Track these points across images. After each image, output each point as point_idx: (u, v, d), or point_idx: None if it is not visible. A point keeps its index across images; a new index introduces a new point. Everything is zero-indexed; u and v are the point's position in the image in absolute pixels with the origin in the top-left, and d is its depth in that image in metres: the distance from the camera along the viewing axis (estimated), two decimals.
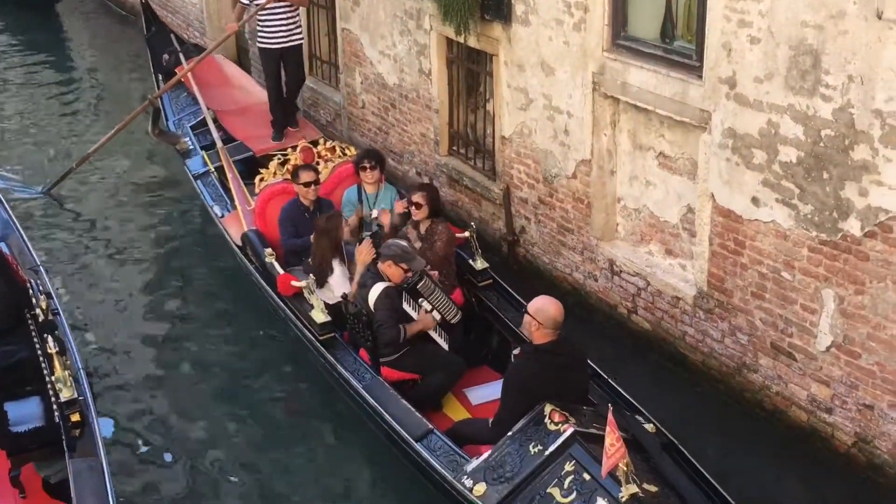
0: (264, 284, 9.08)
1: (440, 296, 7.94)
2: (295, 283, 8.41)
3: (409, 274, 7.75)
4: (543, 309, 6.69)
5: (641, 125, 8.51)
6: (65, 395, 6.64)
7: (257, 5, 11.19)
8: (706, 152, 7.75)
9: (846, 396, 7.20)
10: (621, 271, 8.93)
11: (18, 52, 18.33)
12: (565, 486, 6.08)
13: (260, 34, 11.43)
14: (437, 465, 6.77)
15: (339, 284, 8.47)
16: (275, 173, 10.11)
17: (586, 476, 6.04)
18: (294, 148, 10.42)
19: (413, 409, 7.30)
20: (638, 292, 8.81)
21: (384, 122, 12.12)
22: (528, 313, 6.71)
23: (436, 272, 8.29)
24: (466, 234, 8.85)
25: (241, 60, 14.99)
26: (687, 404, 8.11)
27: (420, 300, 7.85)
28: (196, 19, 16.75)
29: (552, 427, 6.35)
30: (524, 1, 9.19)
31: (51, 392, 6.74)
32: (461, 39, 9.99)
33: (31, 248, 8.94)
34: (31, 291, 7.70)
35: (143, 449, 8.11)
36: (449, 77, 10.77)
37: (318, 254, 8.60)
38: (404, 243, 8.00)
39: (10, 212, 9.51)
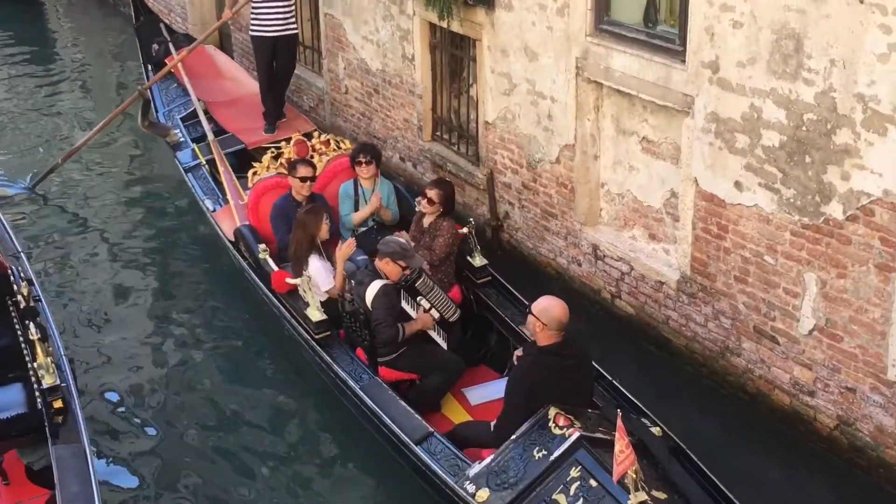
0: (257, 281, 8.91)
1: (438, 293, 7.75)
2: (290, 281, 8.24)
3: (408, 272, 7.58)
4: (548, 309, 6.52)
5: (625, 110, 8.51)
6: (47, 381, 6.60)
7: None
8: (689, 137, 7.76)
9: (828, 379, 7.23)
10: (605, 256, 8.94)
11: (1, 43, 18.13)
12: (571, 492, 5.90)
13: (254, 21, 11.27)
14: (437, 470, 6.58)
15: (319, 279, 8.23)
16: (268, 167, 9.89)
17: (593, 482, 5.86)
18: (287, 141, 10.21)
19: (412, 412, 7.12)
20: (621, 277, 8.83)
21: (367, 107, 12.09)
22: (532, 314, 6.55)
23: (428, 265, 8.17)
24: (465, 230, 8.61)
25: (224, 46, 14.91)
26: (670, 388, 8.12)
27: (418, 298, 7.66)
28: (178, 5, 16.66)
29: (557, 431, 6.19)
30: None
31: (33, 379, 6.70)
32: (444, 24, 9.97)
33: (12, 235, 8.89)
34: (12, 278, 7.66)
35: (127, 435, 8.09)
36: (432, 62, 10.75)
37: (293, 245, 8.41)
38: (402, 240, 7.84)
39: None
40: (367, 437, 7.60)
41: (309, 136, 10.42)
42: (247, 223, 9.35)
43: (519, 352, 7.05)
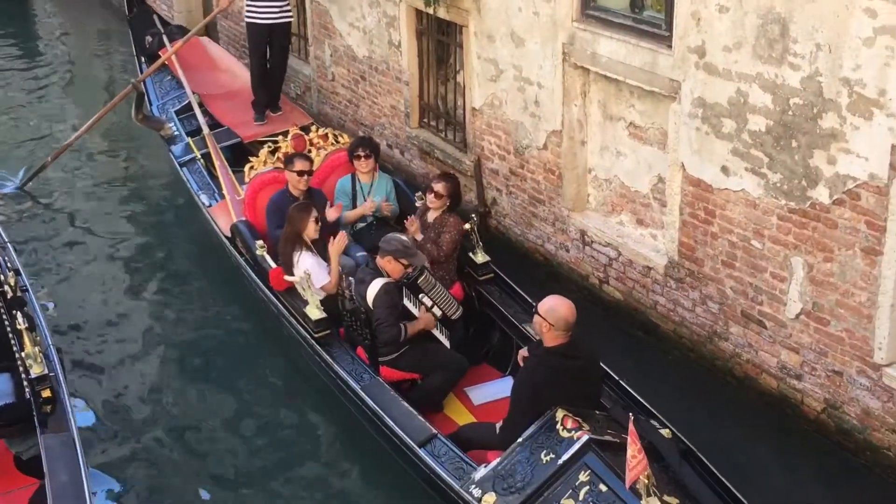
0: (255, 278, 8.75)
1: (441, 291, 7.59)
2: (288, 278, 8.09)
3: (410, 269, 7.43)
4: (555, 309, 6.36)
5: (612, 95, 8.52)
6: (35, 371, 6.60)
7: None
8: (676, 122, 7.76)
9: (815, 363, 7.26)
10: (592, 242, 8.95)
11: None
12: (580, 497, 5.76)
13: (249, 8, 11.13)
14: (442, 473, 6.43)
15: (312, 275, 7.96)
16: (265, 161, 9.70)
17: (602, 487, 5.73)
18: (285, 135, 10.05)
19: (415, 413, 6.96)
20: (609, 262, 8.84)
21: (354, 94, 12.07)
22: (539, 314, 6.39)
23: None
24: (467, 225, 8.40)
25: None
26: (658, 373, 8.15)
27: (420, 295, 7.49)
28: None
29: (565, 434, 6.03)
30: None
31: (21, 368, 6.69)
32: (430, 11, 9.95)
33: None
34: None
35: (117, 424, 8.07)
36: (419, 49, 10.73)
37: (281, 241, 8.28)
38: (405, 237, 7.69)
39: None
40: (367, 438, 7.46)
41: (307, 129, 10.23)
42: (243, 219, 9.20)
43: (524, 351, 6.92)
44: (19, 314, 6.75)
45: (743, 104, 7.19)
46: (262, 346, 9.00)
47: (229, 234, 9.26)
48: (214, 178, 10.13)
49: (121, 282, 10.20)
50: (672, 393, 7.82)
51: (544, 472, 5.94)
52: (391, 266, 7.41)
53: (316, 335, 7.75)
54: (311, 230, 8.19)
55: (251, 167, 9.67)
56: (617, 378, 7.00)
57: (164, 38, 11.92)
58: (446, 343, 7.64)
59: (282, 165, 9.37)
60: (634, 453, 5.32)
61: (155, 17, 12.58)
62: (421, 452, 6.63)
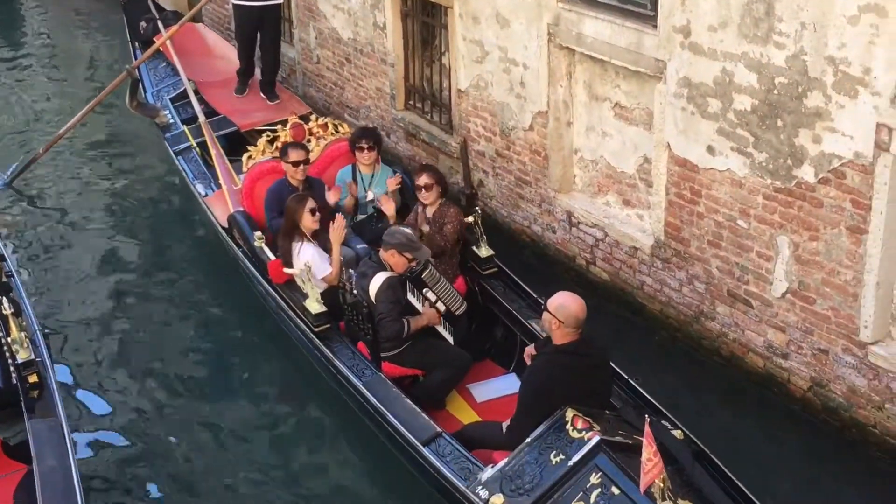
0: (252, 270, 8.56)
1: (445, 285, 7.42)
2: (287, 270, 7.91)
3: (414, 263, 7.25)
4: (564, 306, 6.20)
5: (597, 76, 8.51)
6: (21, 356, 6.59)
7: None
8: (662, 102, 7.76)
9: (801, 342, 7.29)
10: (579, 223, 8.96)
11: None
12: (591, 499, 5.59)
13: None
14: (447, 473, 6.25)
15: (313, 266, 7.81)
16: (263, 151, 9.47)
17: (615, 490, 5.56)
18: (283, 124, 9.81)
19: (419, 410, 6.79)
20: (596, 243, 8.85)
21: (339, 77, 12.04)
22: (548, 311, 6.22)
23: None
24: (470, 218, 8.20)
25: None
26: (646, 353, 8.17)
27: (424, 290, 7.30)
28: None
29: (575, 434, 5.86)
30: None
31: (7, 354, 6.68)
32: None
33: None
34: None
35: (104, 408, 8.07)
36: (404, 30, 10.70)
37: (280, 233, 8.12)
38: (409, 230, 7.49)
39: None
40: (369, 435, 7.32)
41: (306, 119, 9.99)
42: (241, 209, 9.01)
43: (531, 349, 6.77)
44: (5, 300, 6.72)
45: (728, 83, 7.19)
46: (260, 340, 8.85)
47: (226, 225, 9.08)
48: (210, 167, 9.94)
49: (111, 270, 10.12)
50: (659, 373, 7.85)
51: (554, 473, 5.79)
52: (395, 260, 7.24)
53: (316, 329, 7.58)
54: (307, 221, 7.98)
55: (249, 156, 9.47)
56: (626, 377, 6.83)
57: (159, 24, 11.66)
58: (450, 339, 7.47)
59: (278, 154, 9.11)
60: (650, 456, 5.20)
61: (150, 2, 12.27)
62: (425, 451, 6.46)
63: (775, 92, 6.89)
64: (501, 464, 6.05)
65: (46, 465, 6.02)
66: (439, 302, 7.37)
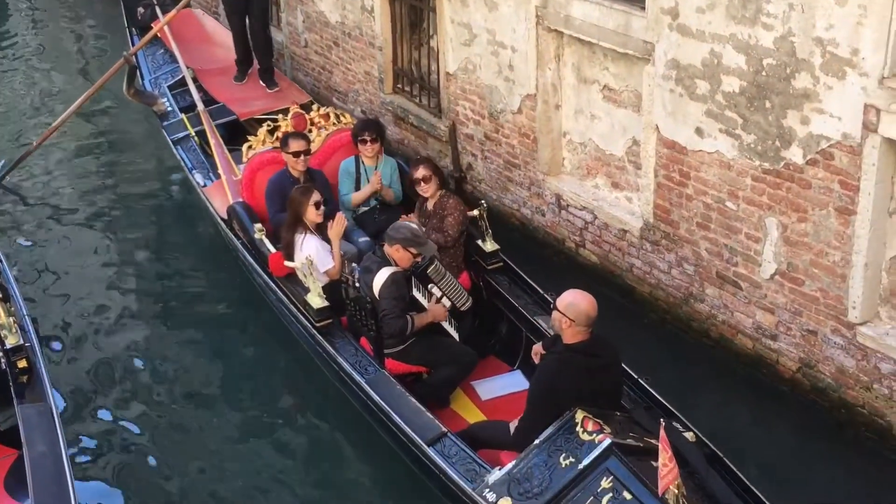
0: (252, 262, 8.40)
1: (451, 281, 7.32)
2: (288, 264, 7.76)
3: (419, 259, 7.12)
4: (575, 304, 6.03)
5: (585, 58, 8.50)
6: (10, 341, 6.59)
7: None
8: (650, 84, 7.76)
9: (790, 323, 7.31)
10: (568, 205, 8.96)
11: None
12: None
13: None
14: (453, 475, 6.11)
15: (317, 260, 7.69)
16: (264, 141, 9.32)
17: (627, 495, 5.39)
18: (284, 113, 9.69)
19: (424, 409, 6.65)
20: (585, 226, 8.86)
21: (327, 60, 12.00)
22: (558, 309, 6.06)
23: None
24: (475, 212, 8.05)
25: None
26: (635, 335, 8.16)
27: (429, 286, 7.20)
28: None
29: (585, 437, 5.69)
30: None
31: None
32: None
33: None
34: None
35: (95, 394, 8.07)
36: (392, 13, 10.66)
37: (284, 225, 7.98)
38: (414, 225, 7.33)
39: None
40: (372, 433, 7.20)
41: (307, 108, 9.86)
42: (240, 200, 8.85)
43: (539, 347, 6.70)
44: None
45: (716, 65, 7.19)
46: (259, 332, 8.71)
47: (225, 216, 8.92)
48: (209, 156, 9.77)
49: (104, 258, 10.05)
50: (648, 355, 7.86)
51: (563, 477, 5.63)
52: (399, 255, 7.08)
53: (318, 324, 7.44)
54: (311, 214, 7.85)
55: (249, 147, 9.34)
56: (636, 377, 6.70)
57: (157, 10, 11.37)
58: (455, 335, 7.36)
59: (279, 145, 8.98)
60: (666, 461, 5.06)
61: None
62: (430, 452, 6.33)
63: (763, 73, 6.89)
64: (509, 466, 5.92)
65: (36, 450, 6.02)
66: (444, 298, 7.27)
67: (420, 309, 7.16)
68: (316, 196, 7.89)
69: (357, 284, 7.29)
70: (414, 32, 10.59)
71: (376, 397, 6.83)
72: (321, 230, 7.92)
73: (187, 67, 10.82)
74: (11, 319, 6.68)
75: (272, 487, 7.12)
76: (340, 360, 7.20)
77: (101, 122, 12.94)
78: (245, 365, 8.40)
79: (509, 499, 5.74)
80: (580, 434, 5.74)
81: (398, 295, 6.99)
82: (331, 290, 7.62)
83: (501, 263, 8.08)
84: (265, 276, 8.15)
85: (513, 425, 6.33)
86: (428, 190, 8.13)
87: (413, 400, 6.75)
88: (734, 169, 7.32)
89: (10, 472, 6.32)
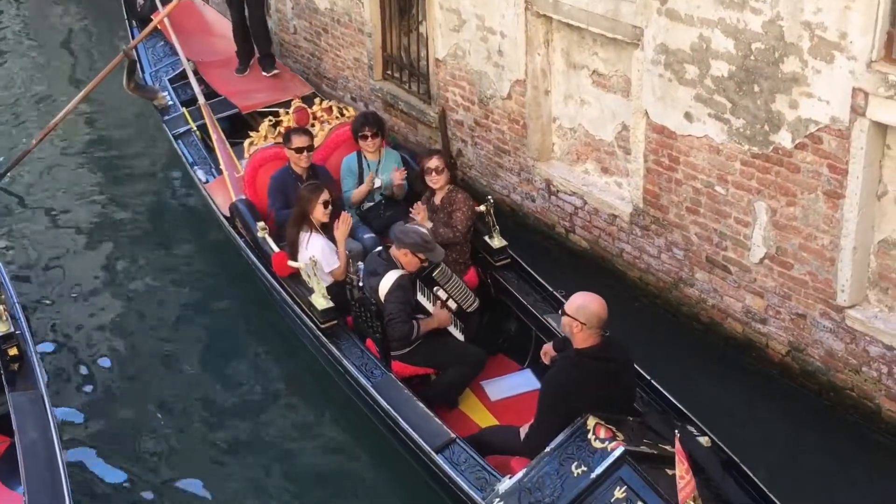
0: (255, 261, 8.24)
1: (457, 283, 7.21)
2: (292, 264, 7.58)
3: (426, 264, 7.01)
4: (585, 307, 5.85)
5: (575, 44, 8.50)
6: (1, 329, 6.60)
7: None
8: (639, 69, 7.76)
9: (779, 307, 7.34)
10: (558, 191, 8.97)
11: None
12: None
13: None
14: (462, 483, 5.99)
15: (322, 260, 7.53)
16: (266, 136, 9.15)
17: None
18: (286, 105, 9.56)
19: (432, 414, 6.49)
20: (575, 211, 8.87)
21: (317, 47, 11.98)
22: (568, 314, 5.88)
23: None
24: (482, 208, 7.91)
25: None
26: (625, 320, 8.11)
27: (435, 288, 7.09)
28: None
29: (598, 445, 5.53)
30: None
31: None
32: None
33: None
34: None
35: (85, 381, 8.08)
36: (381, 0, 10.64)
37: (289, 223, 7.82)
38: (424, 230, 7.14)
39: None
40: (379, 436, 7.07)
41: (309, 102, 9.70)
42: (243, 197, 8.68)
43: (549, 348, 6.58)
44: None
45: (705, 50, 7.20)
46: (262, 330, 8.58)
47: (228, 214, 8.76)
48: (211, 150, 9.57)
49: (101, 248, 9.94)
50: (639, 340, 7.86)
51: (576, 486, 5.46)
52: (407, 259, 6.96)
53: (322, 326, 7.30)
54: (319, 213, 7.69)
55: (251, 142, 9.17)
56: (649, 378, 6.58)
57: (157, 1, 11.09)
58: (460, 337, 7.22)
59: (282, 141, 8.83)
60: (682, 473, 4.98)
61: None
62: (438, 459, 6.19)
63: (752, 58, 6.90)
64: (520, 474, 5.78)
65: (28, 437, 6.04)
66: (450, 300, 7.16)
67: (424, 312, 7.04)
68: (325, 195, 7.73)
69: (361, 284, 7.18)
70: (403, 18, 10.57)
71: (383, 402, 6.69)
72: (327, 229, 7.76)
73: (188, 60, 10.57)
74: (2, 307, 6.69)
75: (268, 484, 7.06)
76: (346, 363, 7.06)
77: (100, 116, 12.71)
78: (246, 359, 8.30)
79: None
80: (592, 441, 5.59)
81: (404, 299, 6.87)
82: (336, 290, 7.51)
83: (509, 260, 7.95)
84: (269, 276, 8.00)
85: (523, 430, 6.17)
86: (438, 181, 7.98)
87: (420, 405, 6.60)
88: (723, 153, 7.34)
89: (3, 459, 6.35)
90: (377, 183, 8.62)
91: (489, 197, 8.25)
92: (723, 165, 7.37)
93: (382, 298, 6.90)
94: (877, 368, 6.84)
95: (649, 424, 5.93)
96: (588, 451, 5.55)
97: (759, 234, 7.27)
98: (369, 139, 8.64)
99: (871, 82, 6.22)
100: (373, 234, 8.35)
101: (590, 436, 5.61)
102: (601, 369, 5.87)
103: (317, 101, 9.75)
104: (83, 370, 8.20)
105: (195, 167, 9.59)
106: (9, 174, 10.95)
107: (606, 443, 5.52)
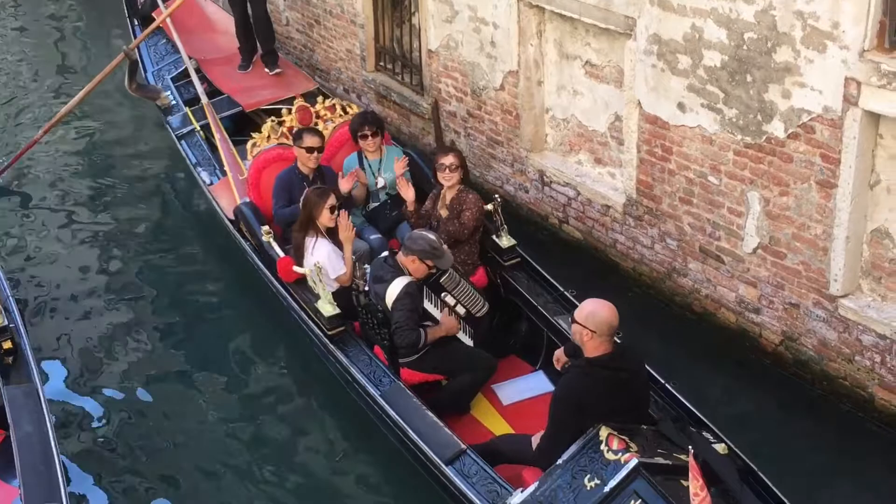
0: (261, 265, 8.12)
1: (465, 287, 7.07)
2: (297, 269, 7.49)
3: (434, 271, 6.89)
4: (595, 314, 5.71)
5: (567, 34, 8.50)
6: None
7: None
8: (632, 59, 7.76)
9: (773, 296, 7.35)
10: (551, 182, 8.98)
11: None
12: None
13: None
14: (472, 496, 5.87)
15: (328, 265, 7.45)
16: (268, 137, 8.99)
17: None
18: (289, 102, 9.46)
19: (441, 424, 6.35)
20: (568, 202, 8.88)
21: (309, 39, 11.97)
22: (577, 322, 5.73)
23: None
24: (489, 206, 7.77)
25: None
26: (619, 311, 8.14)
27: (443, 294, 6.97)
28: None
29: (611, 456, 5.40)
30: None
31: None
32: None
33: None
34: None
35: (80, 374, 8.07)
36: None
37: (295, 227, 7.68)
38: (433, 236, 6.94)
39: None
40: (389, 444, 6.90)
41: (312, 100, 9.53)
42: (247, 200, 8.55)
43: (560, 354, 6.49)
44: None
45: (698, 40, 7.20)
46: (267, 331, 8.47)
47: (232, 217, 8.62)
48: (215, 150, 9.43)
49: (101, 245, 9.85)
50: (633, 330, 7.86)
51: (589, 499, 5.34)
52: (415, 266, 6.83)
53: (330, 333, 7.18)
54: (325, 218, 7.54)
55: (254, 144, 9.03)
56: (663, 382, 6.43)
57: None
58: (469, 343, 7.12)
59: (286, 141, 8.77)
60: (697, 490, 4.83)
61: None
62: (448, 471, 6.06)
63: (745, 47, 6.90)
64: (532, 488, 5.65)
65: (23, 430, 6.05)
66: (459, 305, 7.07)
67: (432, 318, 6.94)
68: (332, 200, 7.59)
69: (366, 289, 7.05)
70: (395, 10, 10.56)
71: (391, 412, 6.57)
72: (333, 234, 7.63)
73: (190, 58, 10.37)
74: None
75: (269, 488, 7.01)
76: (354, 371, 6.94)
77: (100, 116, 12.52)
78: (245, 359, 8.23)
79: None
80: (605, 453, 5.46)
81: (412, 307, 6.75)
82: (342, 295, 7.37)
83: (519, 259, 7.82)
84: (274, 281, 7.87)
85: (535, 439, 6.06)
86: (451, 179, 7.74)
87: (430, 414, 6.47)
88: (716, 143, 7.35)
89: None
90: (380, 183, 8.48)
91: (496, 196, 8.14)
92: (716, 155, 7.38)
93: (389, 306, 6.78)
94: (870, 358, 6.86)
95: (664, 432, 5.78)
96: (601, 464, 5.43)
97: (753, 224, 7.28)
98: (369, 139, 8.49)
99: (864, 72, 6.23)
100: (379, 235, 8.25)
101: (602, 447, 5.49)
102: (613, 378, 5.72)
103: (319, 99, 9.60)
104: (79, 365, 8.19)
105: (199, 168, 9.44)
106: (4, 174, 10.87)
107: (620, 454, 5.40)
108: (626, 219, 8.33)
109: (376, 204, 8.54)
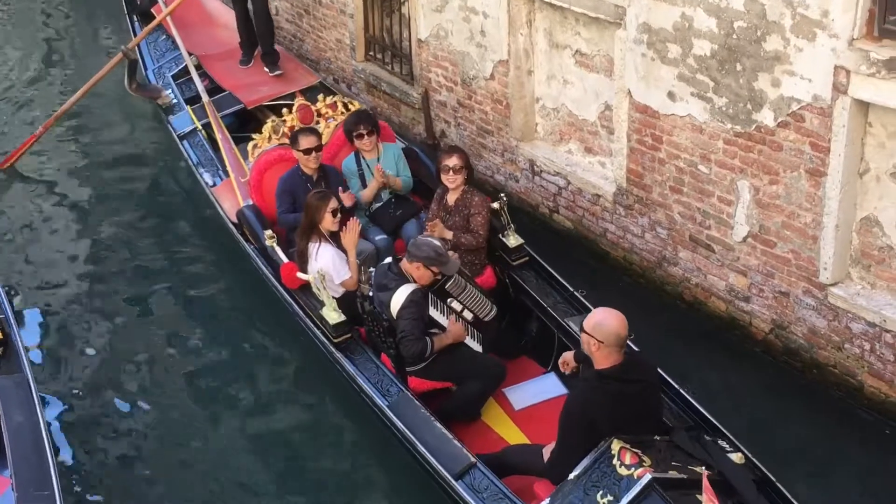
0: (265, 270, 7.99)
1: (472, 292, 6.91)
2: (301, 276, 7.37)
3: (439, 276, 6.74)
4: (603, 324, 5.52)
5: (557, 23, 8.50)
6: None
7: None
8: (622, 48, 7.76)
9: (763, 285, 7.37)
10: (542, 171, 8.98)
11: None
12: None
13: None
14: None
15: (332, 270, 7.34)
16: (269, 138, 8.90)
17: None
18: (290, 99, 9.37)
19: (450, 436, 6.19)
20: (559, 191, 8.88)
21: (299, 28, 11.95)
22: (585, 332, 5.57)
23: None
24: (496, 204, 7.66)
25: None
26: (610, 299, 8.12)
27: (449, 300, 6.83)
28: None
29: (624, 472, 5.26)
30: None
31: None
32: None
33: None
34: None
35: (71, 364, 8.07)
36: None
37: (298, 233, 7.56)
38: (437, 242, 6.77)
39: None
40: (397, 453, 6.77)
41: (313, 98, 9.44)
42: (250, 203, 8.42)
43: (569, 357, 6.32)
44: None
45: (688, 29, 7.21)
46: (271, 331, 8.38)
47: (235, 220, 8.49)
48: (217, 150, 9.32)
49: (95, 239, 9.79)
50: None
51: None
52: (420, 273, 6.67)
53: (335, 340, 7.03)
54: (328, 222, 7.41)
55: (255, 145, 8.93)
56: (677, 387, 6.33)
57: None
58: (477, 348, 6.96)
59: (288, 141, 8.57)
60: None
61: None
62: (458, 486, 5.91)
63: (734, 36, 6.91)
64: None
65: (14, 421, 6.04)
66: (466, 311, 6.93)
67: (438, 326, 6.79)
68: (333, 203, 7.46)
69: (371, 294, 6.90)
70: None
71: (399, 423, 6.44)
72: (337, 238, 7.51)
73: (190, 54, 10.25)
74: None
75: (271, 491, 6.95)
76: (360, 380, 6.80)
77: (100, 115, 12.33)
78: (246, 359, 8.17)
79: None
80: (618, 468, 5.31)
81: (417, 315, 6.60)
82: (347, 301, 7.23)
83: (527, 258, 7.68)
84: (278, 286, 7.74)
85: (546, 450, 5.93)
86: (455, 181, 7.60)
87: (438, 425, 6.30)
88: (706, 132, 7.36)
89: None
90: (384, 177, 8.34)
91: (502, 194, 8.05)
92: (706, 144, 7.39)
93: (394, 315, 6.64)
94: (859, 345, 6.88)
95: (678, 443, 5.61)
96: (614, 479, 5.29)
97: (742, 213, 7.30)
98: (364, 138, 8.40)
99: (853, 60, 6.24)
100: (385, 235, 8.17)
101: (615, 461, 5.36)
102: (624, 390, 5.55)
103: (320, 97, 9.45)
104: (70, 355, 8.19)
105: (201, 169, 9.31)
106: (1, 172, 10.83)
107: (633, 469, 5.27)
108: (616, 208, 8.34)
109: (379, 204, 8.44)
